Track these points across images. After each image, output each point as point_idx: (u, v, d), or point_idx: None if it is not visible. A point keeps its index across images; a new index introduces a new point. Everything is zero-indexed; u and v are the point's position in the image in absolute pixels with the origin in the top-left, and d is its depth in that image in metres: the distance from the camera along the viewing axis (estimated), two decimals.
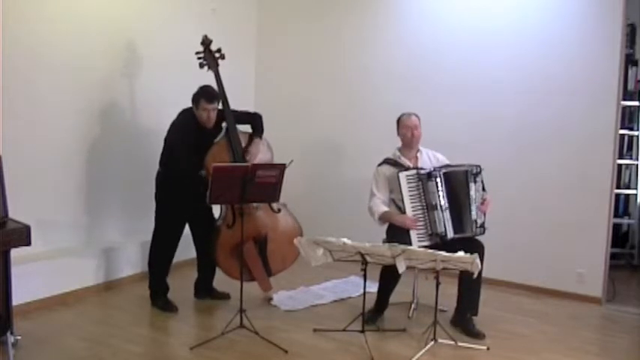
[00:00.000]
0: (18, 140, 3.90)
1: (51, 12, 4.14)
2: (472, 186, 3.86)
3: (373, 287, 4.01)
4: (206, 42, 4.21)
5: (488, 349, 3.61)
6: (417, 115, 4.05)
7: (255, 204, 4.05)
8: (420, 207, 3.84)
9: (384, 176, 4.00)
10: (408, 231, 3.80)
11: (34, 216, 3.70)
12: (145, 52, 4.77)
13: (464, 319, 3.85)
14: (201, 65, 4.20)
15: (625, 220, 5.83)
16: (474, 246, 3.71)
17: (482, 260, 3.42)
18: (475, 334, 3.77)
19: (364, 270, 3.58)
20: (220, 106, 4.06)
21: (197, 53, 4.20)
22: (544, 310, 4.41)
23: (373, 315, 3.98)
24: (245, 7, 5.92)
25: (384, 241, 3.75)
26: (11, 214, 3.25)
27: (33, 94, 4.06)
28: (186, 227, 4.25)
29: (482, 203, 3.89)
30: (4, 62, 3.75)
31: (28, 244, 3.16)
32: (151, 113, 4.79)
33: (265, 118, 4.30)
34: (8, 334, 3.03)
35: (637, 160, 5.72)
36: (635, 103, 5.58)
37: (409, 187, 3.83)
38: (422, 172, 3.85)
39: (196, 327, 4.04)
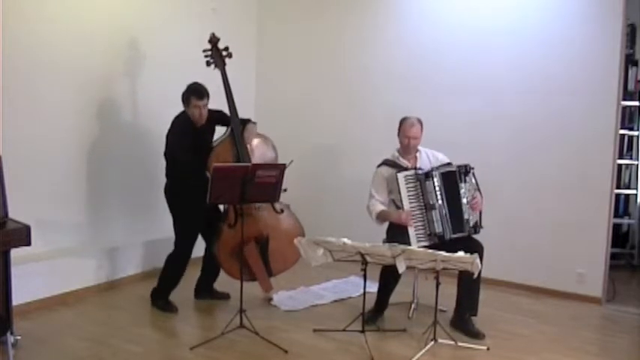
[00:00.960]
0: (18, 140, 3.89)
1: (51, 12, 4.14)
2: (462, 185, 3.86)
3: (373, 287, 4.01)
4: (213, 40, 4.19)
5: (488, 349, 3.61)
6: (420, 121, 3.98)
7: (257, 204, 4.05)
8: (418, 207, 3.84)
9: (383, 178, 4.00)
10: (407, 231, 3.80)
11: (34, 216, 3.69)
12: (145, 52, 4.77)
13: (463, 320, 3.85)
14: (207, 63, 4.18)
15: (625, 220, 5.83)
16: (473, 246, 3.72)
17: (481, 260, 3.42)
18: (475, 334, 3.77)
19: (364, 270, 3.58)
20: (218, 108, 4.06)
21: (204, 51, 4.18)
22: (544, 310, 4.41)
23: (373, 315, 3.98)
24: (245, 7, 5.91)
25: (384, 241, 3.75)
26: (11, 214, 3.25)
27: (33, 94, 4.06)
28: None
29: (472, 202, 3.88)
30: (4, 62, 3.74)
31: (28, 244, 3.16)
32: (151, 113, 4.79)
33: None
34: (8, 334, 3.02)
35: (637, 160, 5.72)
36: (635, 103, 5.58)
37: (408, 188, 3.83)
38: (420, 172, 3.85)
39: (196, 327, 4.04)
